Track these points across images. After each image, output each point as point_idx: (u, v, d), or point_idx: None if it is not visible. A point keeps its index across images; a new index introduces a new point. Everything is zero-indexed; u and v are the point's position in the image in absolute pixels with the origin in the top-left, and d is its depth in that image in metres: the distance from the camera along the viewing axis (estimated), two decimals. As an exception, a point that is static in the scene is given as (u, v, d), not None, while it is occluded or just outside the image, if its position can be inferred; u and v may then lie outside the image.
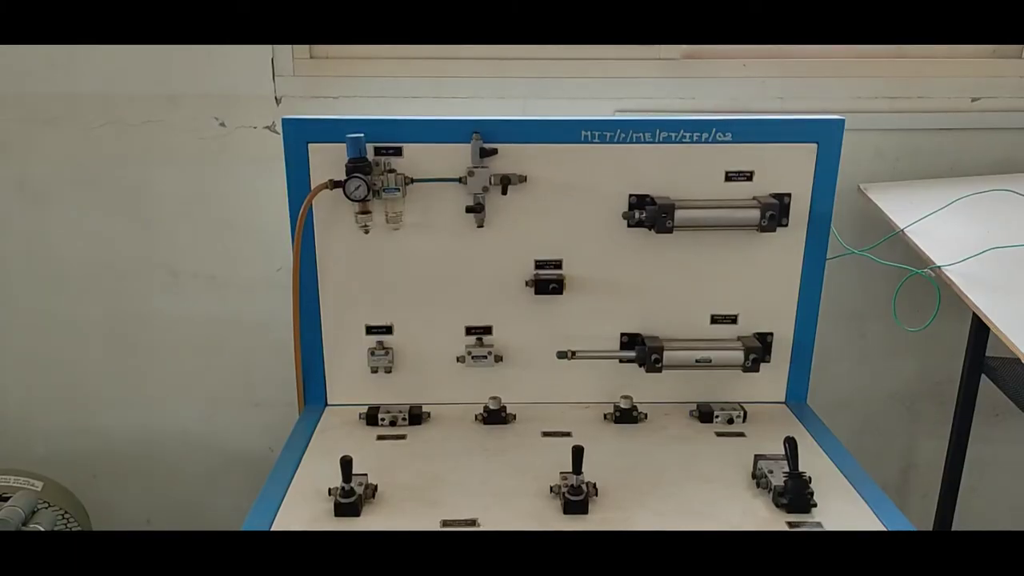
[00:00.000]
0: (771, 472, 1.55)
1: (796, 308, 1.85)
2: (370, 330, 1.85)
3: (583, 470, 1.51)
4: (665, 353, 1.80)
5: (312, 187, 1.72)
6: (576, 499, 1.49)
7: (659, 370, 1.81)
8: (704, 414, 1.82)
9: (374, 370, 1.86)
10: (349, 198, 1.70)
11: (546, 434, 1.76)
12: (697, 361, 1.81)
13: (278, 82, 2.07)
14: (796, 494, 1.49)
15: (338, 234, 1.78)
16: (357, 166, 1.68)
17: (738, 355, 1.81)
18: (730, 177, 1.76)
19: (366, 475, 1.54)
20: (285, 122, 1.74)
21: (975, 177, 2.07)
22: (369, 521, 1.48)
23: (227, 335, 2.25)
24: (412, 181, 1.73)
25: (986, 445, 2.27)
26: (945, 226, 1.84)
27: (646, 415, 1.83)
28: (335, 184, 1.70)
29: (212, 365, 2.29)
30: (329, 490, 1.51)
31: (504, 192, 1.74)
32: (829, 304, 1.91)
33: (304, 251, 1.78)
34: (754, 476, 1.59)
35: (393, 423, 1.81)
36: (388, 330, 1.85)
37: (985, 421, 2.21)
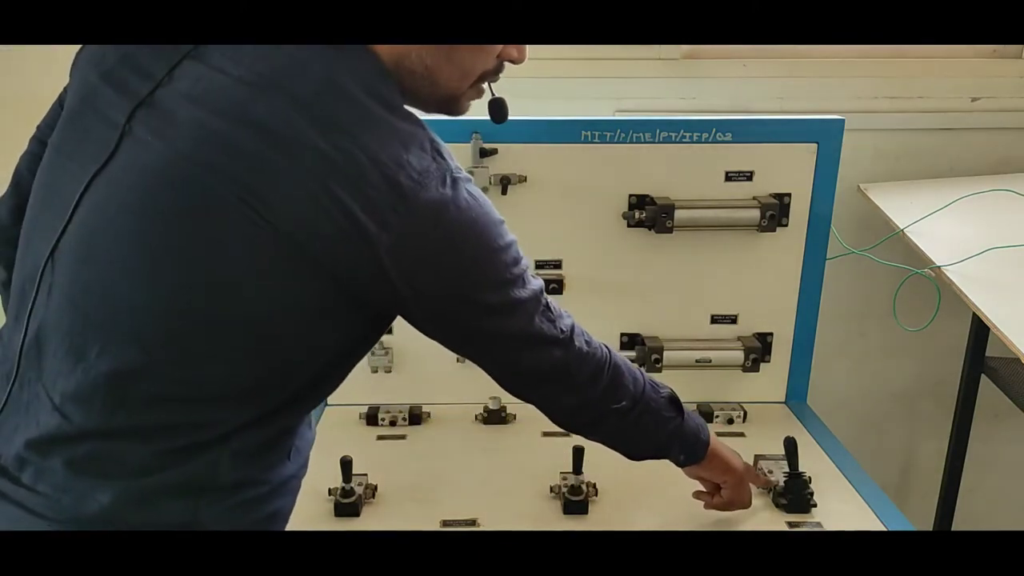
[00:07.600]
0: (771, 472, 1.55)
1: (796, 308, 1.85)
2: (370, 330, 1.85)
3: (583, 470, 1.51)
4: (665, 353, 1.80)
5: (312, 187, 1.72)
6: (576, 499, 1.49)
7: (659, 370, 1.81)
8: (704, 414, 1.82)
9: (374, 370, 1.86)
10: (349, 198, 1.69)
11: (546, 434, 1.76)
12: (697, 361, 1.81)
13: (278, 82, 2.06)
14: (796, 494, 1.49)
15: (338, 234, 1.77)
16: (357, 166, 1.68)
17: (738, 355, 1.81)
18: (730, 177, 1.76)
19: (366, 475, 1.55)
20: (285, 122, 1.73)
21: (975, 177, 2.07)
22: (369, 521, 1.48)
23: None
24: (412, 181, 1.73)
25: (986, 445, 2.26)
26: (945, 226, 1.83)
27: (646, 415, 1.83)
28: (335, 184, 1.70)
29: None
30: (329, 490, 1.51)
31: (504, 192, 1.74)
32: (829, 304, 1.91)
33: (304, 251, 1.78)
34: (754, 476, 1.59)
35: (393, 423, 1.81)
36: (388, 330, 1.84)
37: (985, 421, 2.21)
